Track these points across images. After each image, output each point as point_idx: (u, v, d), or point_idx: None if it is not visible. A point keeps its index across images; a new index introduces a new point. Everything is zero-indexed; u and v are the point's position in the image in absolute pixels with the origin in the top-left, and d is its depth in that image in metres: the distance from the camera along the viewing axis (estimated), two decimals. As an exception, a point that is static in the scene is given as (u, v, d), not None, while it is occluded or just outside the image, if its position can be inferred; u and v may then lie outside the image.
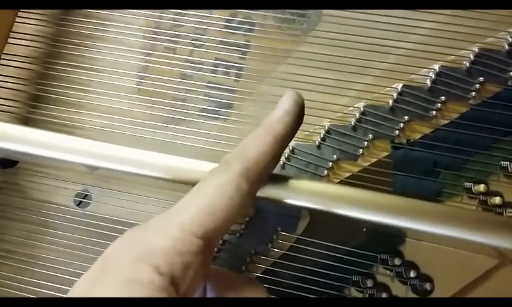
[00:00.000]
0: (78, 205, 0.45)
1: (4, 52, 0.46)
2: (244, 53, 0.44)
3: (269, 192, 0.32)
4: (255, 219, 0.40)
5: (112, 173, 0.36)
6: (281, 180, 0.33)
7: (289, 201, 0.32)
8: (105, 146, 0.35)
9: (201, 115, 0.44)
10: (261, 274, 0.40)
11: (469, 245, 0.35)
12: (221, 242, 0.41)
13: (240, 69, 0.44)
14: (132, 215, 0.43)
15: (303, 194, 0.32)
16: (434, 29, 0.42)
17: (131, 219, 0.42)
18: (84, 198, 0.45)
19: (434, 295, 0.37)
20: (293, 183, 0.32)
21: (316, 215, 0.39)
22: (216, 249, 0.41)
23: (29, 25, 0.47)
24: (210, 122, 0.43)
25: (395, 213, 0.31)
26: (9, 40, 0.47)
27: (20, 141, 0.36)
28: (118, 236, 0.27)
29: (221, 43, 0.45)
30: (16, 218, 0.45)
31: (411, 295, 0.38)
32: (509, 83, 0.40)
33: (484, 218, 0.32)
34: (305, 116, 0.41)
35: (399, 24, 0.42)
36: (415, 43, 0.42)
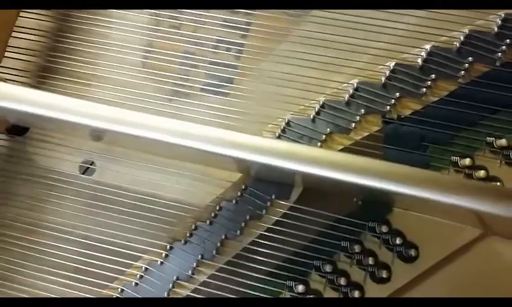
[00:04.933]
0: (83, 173, 0.47)
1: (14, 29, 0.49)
2: (245, 31, 0.46)
3: (263, 157, 0.34)
4: (250, 186, 0.42)
5: (119, 137, 0.38)
6: (275, 145, 0.35)
7: (281, 164, 0.34)
8: (111, 109, 0.37)
9: (204, 89, 0.46)
10: (256, 238, 0.42)
11: (453, 212, 0.37)
12: (217, 208, 0.43)
13: (241, 46, 0.46)
14: (136, 184, 0.45)
15: (295, 157, 0.34)
16: (427, 10, 0.43)
17: (135, 187, 0.44)
18: (90, 165, 0.47)
19: (419, 261, 0.39)
20: (285, 147, 0.34)
21: (309, 184, 0.41)
22: (212, 215, 0.43)
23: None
24: (212, 96, 0.45)
25: (380, 176, 0.33)
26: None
27: (29, 102, 0.38)
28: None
29: (224, 20, 0.47)
30: (24, 184, 0.47)
31: (397, 261, 0.39)
32: (497, 63, 0.41)
33: (467, 183, 0.33)
34: (302, 91, 0.44)
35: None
36: (408, 23, 0.43)
